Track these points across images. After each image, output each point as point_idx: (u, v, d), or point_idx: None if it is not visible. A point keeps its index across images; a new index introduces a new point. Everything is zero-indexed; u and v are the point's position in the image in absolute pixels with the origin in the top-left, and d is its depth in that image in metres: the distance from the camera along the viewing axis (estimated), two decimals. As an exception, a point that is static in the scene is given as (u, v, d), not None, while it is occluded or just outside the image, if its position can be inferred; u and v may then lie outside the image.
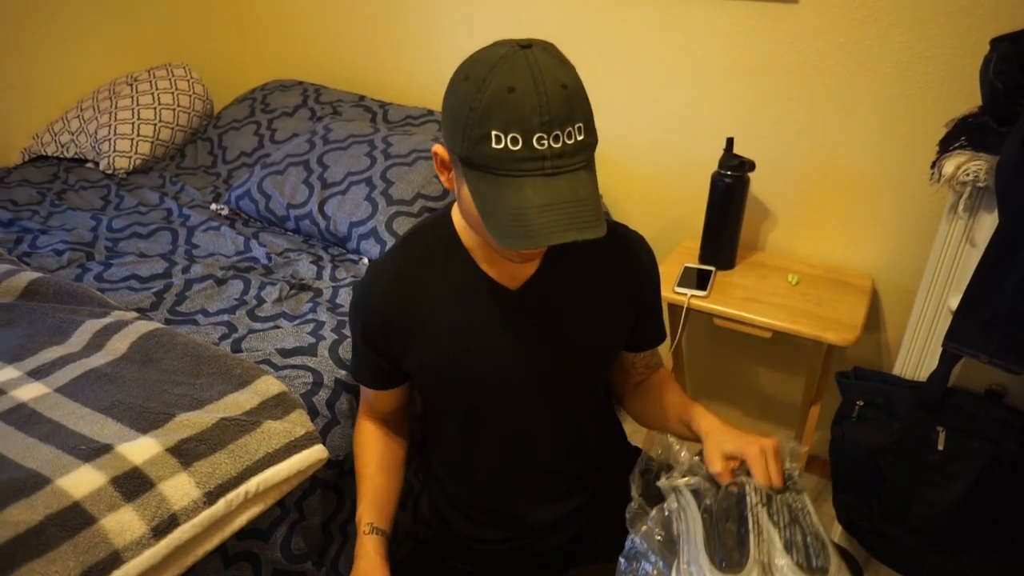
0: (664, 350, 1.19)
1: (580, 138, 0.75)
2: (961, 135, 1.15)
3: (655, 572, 0.80)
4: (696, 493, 0.85)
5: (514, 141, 0.72)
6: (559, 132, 0.73)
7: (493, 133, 0.72)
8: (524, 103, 0.71)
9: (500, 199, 0.75)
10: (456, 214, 0.98)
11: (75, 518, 0.87)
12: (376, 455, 1.08)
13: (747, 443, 0.85)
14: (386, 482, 1.06)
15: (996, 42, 1.12)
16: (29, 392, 1.09)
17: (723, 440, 0.87)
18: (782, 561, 0.76)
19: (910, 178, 1.52)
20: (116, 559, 0.87)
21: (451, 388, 1.00)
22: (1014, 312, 1.01)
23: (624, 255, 1.01)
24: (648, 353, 1.11)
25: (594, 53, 1.77)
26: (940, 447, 1.17)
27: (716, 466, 0.86)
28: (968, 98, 1.21)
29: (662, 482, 0.87)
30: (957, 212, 1.15)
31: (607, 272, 0.99)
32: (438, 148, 0.85)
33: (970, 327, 1.07)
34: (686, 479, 0.87)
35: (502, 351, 0.97)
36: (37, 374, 1.13)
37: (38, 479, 0.91)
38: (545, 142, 0.72)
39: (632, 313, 1.03)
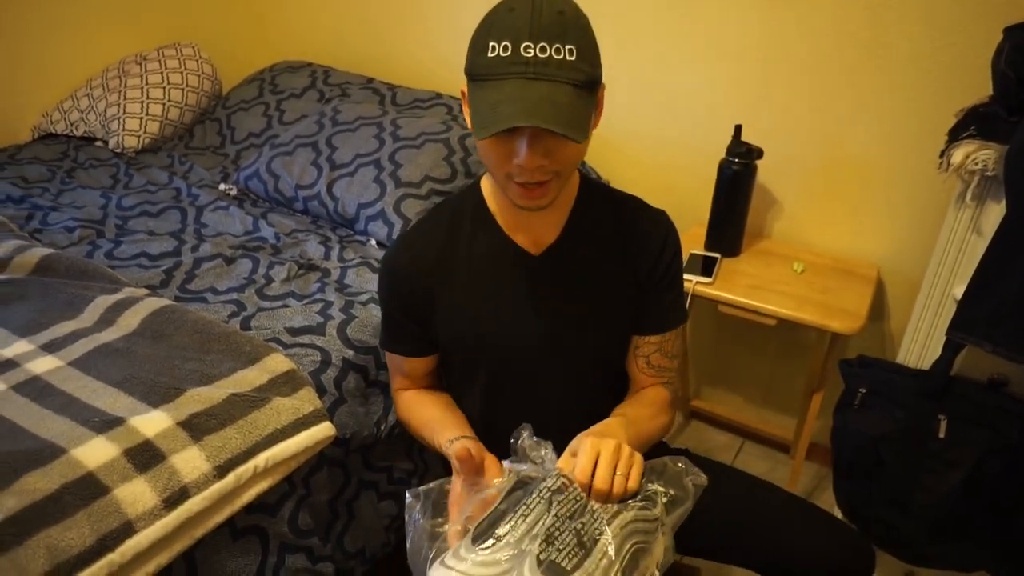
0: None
1: (570, 59, 0.80)
2: (971, 124, 1.15)
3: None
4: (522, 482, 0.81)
5: (505, 49, 0.80)
6: (546, 44, 0.79)
7: (490, 44, 0.81)
8: (519, 18, 0.79)
9: (485, 98, 0.81)
10: (485, 182, 1.02)
11: (89, 487, 0.89)
12: (433, 405, 1.10)
13: (588, 437, 0.82)
14: (456, 415, 1.08)
15: (1009, 31, 1.11)
16: (43, 365, 1.10)
17: (581, 437, 0.85)
18: (531, 546, 0.73)
19: (918, 167, 1.51)
20: (129, 528, 0.89)
21: (475, 351, 1.04)
22: (1019, 301, 1.02)
23: (644, 227, 1.02)
24: (651, 345, 1.06)
25: (602, 38, 1.76)
26: (941, 435, 1.18)
27: (561, 462, 0.83)
28: (979, 87, 1.21)
29: (508, 463, 0.84)
30: (965, 201, 1.16)
31: (624, 242, 1.02)
32: (464, 87, 0.91)
33: (974, 316, 1.08)
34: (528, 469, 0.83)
35: (523, 315, 1.01)
36: (50, 348, 1.15)
37: (53, 449, 0.92)
38: (531, 51, 0.79)
39: (639, 287, 1.03)
